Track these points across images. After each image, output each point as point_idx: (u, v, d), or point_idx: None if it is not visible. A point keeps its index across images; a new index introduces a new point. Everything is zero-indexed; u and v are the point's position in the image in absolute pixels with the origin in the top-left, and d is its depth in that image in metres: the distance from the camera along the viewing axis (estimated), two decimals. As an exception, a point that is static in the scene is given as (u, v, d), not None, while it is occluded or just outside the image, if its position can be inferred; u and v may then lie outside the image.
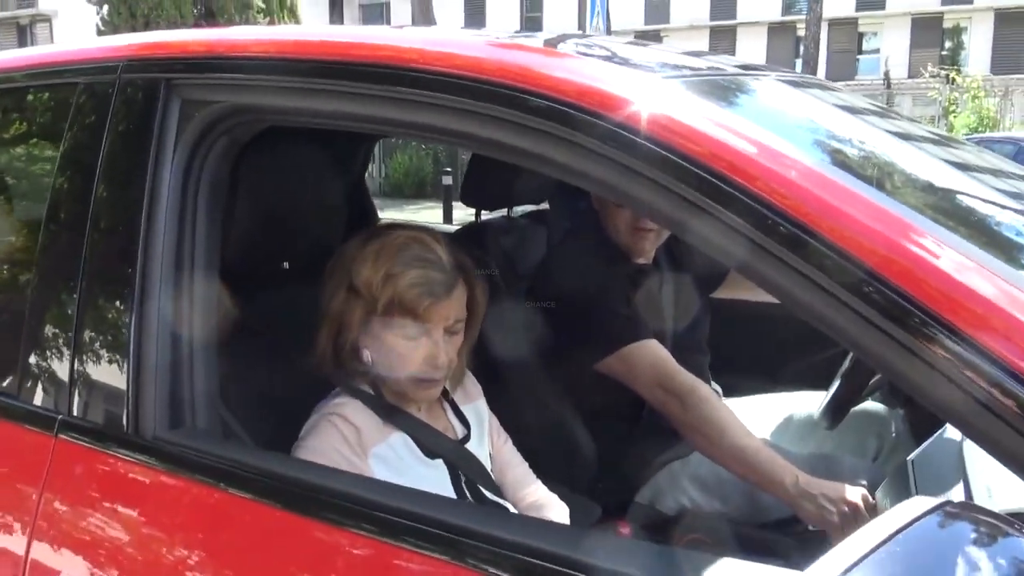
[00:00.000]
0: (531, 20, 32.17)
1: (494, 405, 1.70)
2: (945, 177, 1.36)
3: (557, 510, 1.61)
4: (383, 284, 1.38)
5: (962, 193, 1.27)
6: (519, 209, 2.68)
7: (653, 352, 1.87)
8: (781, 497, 1.64)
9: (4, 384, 1.38)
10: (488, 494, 1.51)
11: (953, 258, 0.86)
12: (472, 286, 1.48)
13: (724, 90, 1.27)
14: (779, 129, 1.08)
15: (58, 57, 1.46)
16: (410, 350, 1.41)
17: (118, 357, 1.21)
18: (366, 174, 2.72)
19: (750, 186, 0.91)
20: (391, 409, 1.47)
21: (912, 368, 0.84)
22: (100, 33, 15.46)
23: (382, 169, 17.16)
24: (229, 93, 1.25)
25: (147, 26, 15.04)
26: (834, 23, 28.78)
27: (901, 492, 1.31)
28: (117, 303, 1.25)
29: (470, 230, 2.49)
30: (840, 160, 1.18)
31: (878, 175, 1.16)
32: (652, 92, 1.04)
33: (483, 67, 1.08)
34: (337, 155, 3.18)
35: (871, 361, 0.90)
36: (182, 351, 1.22)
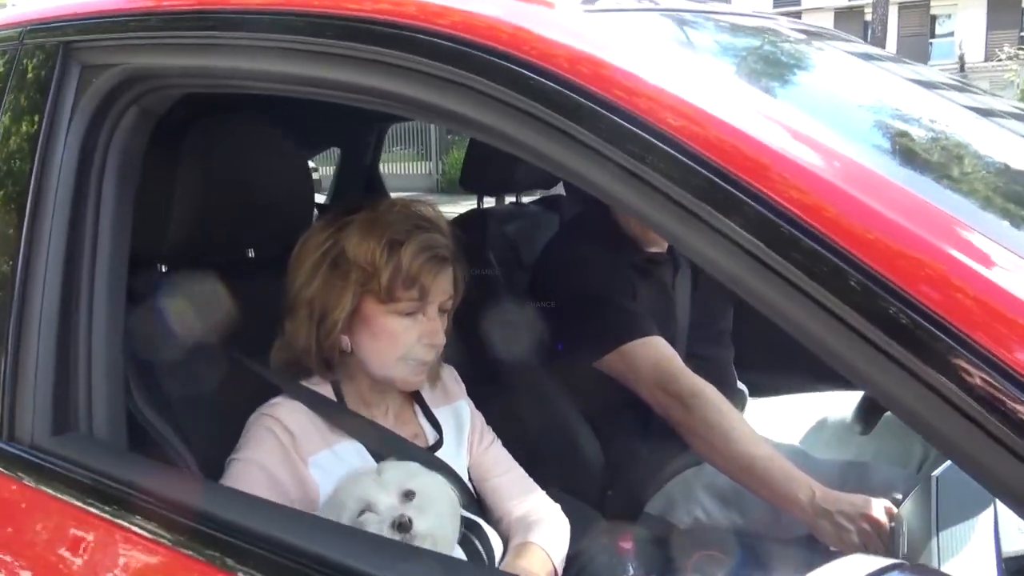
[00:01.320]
0: None
1: (493, 406, 1.55)
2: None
3: (551, 525, 1.43)
4: (387, 253, 1.25)
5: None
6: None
7: (656, 350, 1.69)
8: (795, 514, 1.47)
9: None
10: (465, 513, 1.33)
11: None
12: (456, 267, 1.36)
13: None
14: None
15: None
16: (405, 330, 1.29)
17: (-6, 354, 1.06)
18: (425, 172, 2.59)
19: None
20: (342, 413, 1.32)
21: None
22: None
23: (439, 166, 17.14)
24: (129, 54, 1.11)
25: None
26: (904, 6, 27.80)
27: (922, 512, 1.11)
28: (-2, 290, 1.11)
29: (468, 217, 2.32)
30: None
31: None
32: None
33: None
34: (330, 141, 3.10)
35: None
36: (74, 346, 1.07)
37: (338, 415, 1.32)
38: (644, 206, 0.79)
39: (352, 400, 1.35)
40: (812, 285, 0.70)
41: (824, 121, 0.85)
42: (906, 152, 0.98)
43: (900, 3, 25.66)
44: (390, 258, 1.25)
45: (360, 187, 3.23)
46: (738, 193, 0.73)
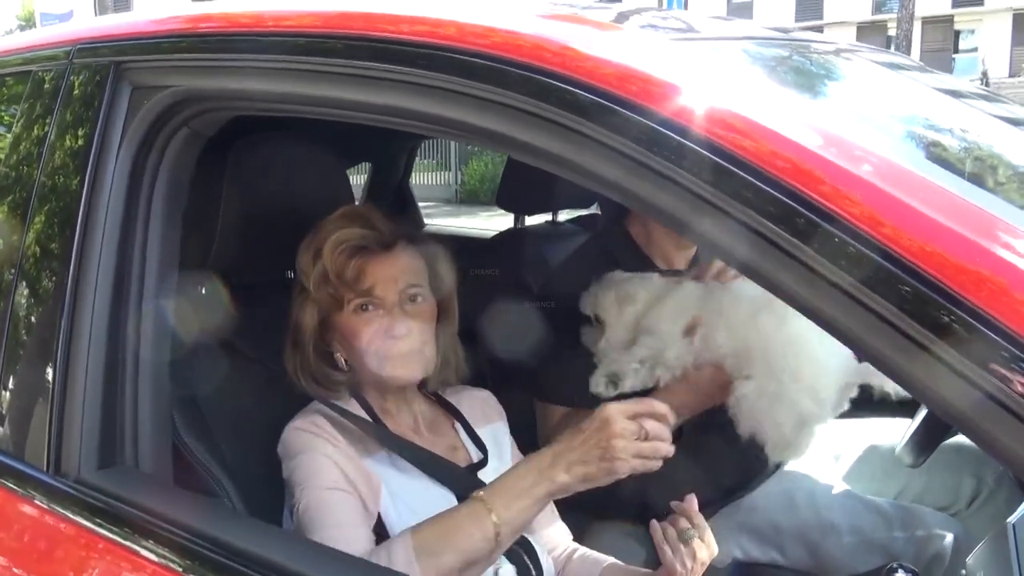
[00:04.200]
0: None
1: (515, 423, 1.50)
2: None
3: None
4: (312, 263, 1.29)
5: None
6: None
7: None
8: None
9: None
10: None
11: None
12: (430, 258, 1.37)
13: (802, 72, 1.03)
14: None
15: (21, 45, 1.31)
16: (365, 325, 1.28)
17: (42, 381, 1.03)
18: (443, 182, 2.57)
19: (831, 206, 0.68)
20: (375, 424, 1.29)
21: None
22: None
23: (457, 176, 17.11)
24: (181, 76, 1.07)
25: None
26: (928, 21, 27.62)
27: (1000, 564, 1.05)
28: (46, 315, 1.08)
29: (507, 236, 2.28)
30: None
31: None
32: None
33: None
34: (363, 156, 3.08)
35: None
36: (121, 375, 1.04)
37: (370, 425, 1.29)
38: (687, 219, 0.76)
39: (377, 410, 1.32)
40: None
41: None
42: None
43: (923, 18, 25.48)
44: (315, 262, 1.27)
45: (389, 201, 3.20)
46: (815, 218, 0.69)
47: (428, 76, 0.87)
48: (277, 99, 1.04)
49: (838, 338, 0.72)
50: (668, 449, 1.08)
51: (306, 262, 1.29)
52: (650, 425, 1.08)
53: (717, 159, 0.73)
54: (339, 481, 1.18)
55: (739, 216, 0.71)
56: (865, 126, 0.87)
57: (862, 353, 0.71)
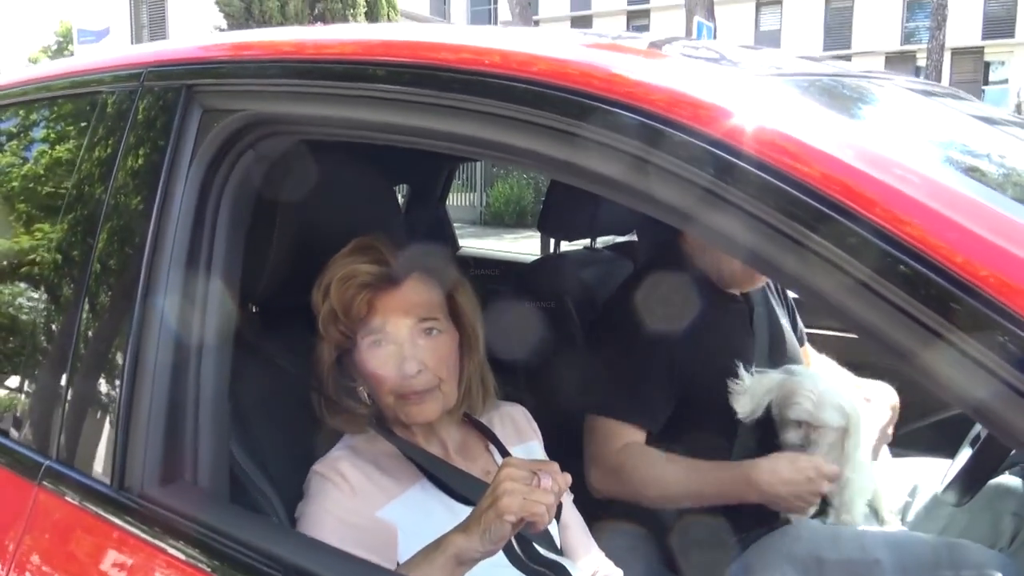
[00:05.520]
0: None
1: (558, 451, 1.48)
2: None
3: None
4: (322, 301, 1.28)
5: None
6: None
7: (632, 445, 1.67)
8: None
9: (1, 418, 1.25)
10: (545, 552, 1.29)
11: None
12: (450, 288, 1.33)
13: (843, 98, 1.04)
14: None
15: (89, 66, 1.35)
16: (381, 362, 1.26)
17: (109, 398, 1.05)
18: (468, 203, 2.59)
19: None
20: (405, 452, 1.29)
21: None
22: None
23: (483, 198, 17.18)
24: (251, 100, 1.10)
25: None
26: (958, 52, 27.49)
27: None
28: (114, 331, 1.10)
29: (546, 262, 2.29)
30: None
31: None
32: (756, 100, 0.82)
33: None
34: (403, 178, 3.11)
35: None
36: (185, 393, 1.05)
37: (399, 460, 1.29)
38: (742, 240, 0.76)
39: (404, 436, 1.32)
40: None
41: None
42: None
43: (953, 49, 25.38)
44: (325, 300, 1.27)
45: (425, 224, 3.22)
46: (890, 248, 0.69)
47: (496, 105, 0.89)
48: (338, 124, 1.07)
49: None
50: (550, 501, 1.04)
51: (317, 300, 1.28)
52: (545, 480, 1.05)
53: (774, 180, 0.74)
54: (335, 541, 1.15)
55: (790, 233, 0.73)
56: (912, 147, 0.87)
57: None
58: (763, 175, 0.74)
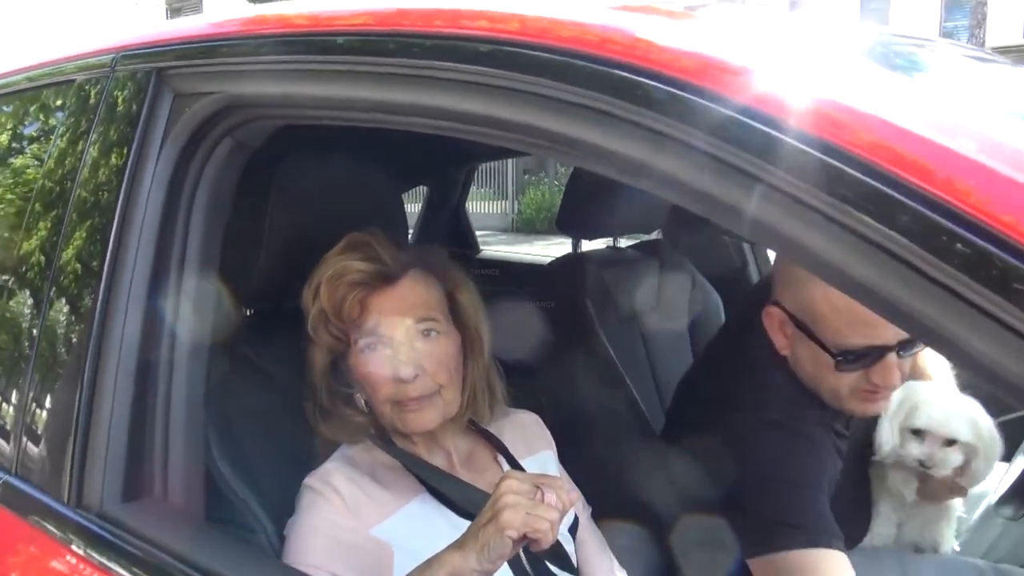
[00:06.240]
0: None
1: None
2: None
3: None
4: (312, 301, 1.18)
5: None
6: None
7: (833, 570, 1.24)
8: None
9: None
10: (557, 570, 1.19)
11: None
12: (451, 286, 1.24)
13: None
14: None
15: (65, 54, 1.27)
16: (376, 366, 1.16)
17: (68, 404, 0.96)
18: (500, 211, 2.51)
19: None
20: (405, 463, 1.19)
21: None
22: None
23: (514, 205, 17.14)
24: (226, 82, 1.01)
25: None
26: (999, 51, 26.94)
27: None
28: (75, 333, 1.01)
29: (565, 261, 2.18)
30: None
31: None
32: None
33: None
34: (419, 179, 3.03)
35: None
36: (154, 401, 0.96)
37: (398, 472, 1.19)
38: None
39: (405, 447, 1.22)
40: None
41: None
42: None
43: (994, 48, 24.87)
44: (315, 300, 1.17)
45: (445, 226, 3.14)
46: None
47: (487, 74, 0.78)
48: (322, 104, 0.96)
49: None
50: (554, 518, 0.95)
51: (307, 301, 1.18)
52: (549, 496, 0.96)
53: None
54: (327, 561, 1.08)
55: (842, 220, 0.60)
56: (976, 111, 0.74)
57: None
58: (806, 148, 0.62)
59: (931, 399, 1.43)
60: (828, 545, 1.23)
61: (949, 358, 0.63)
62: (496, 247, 5.26)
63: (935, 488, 1.48)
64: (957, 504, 1.55)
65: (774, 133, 0.62)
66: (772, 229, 0.63)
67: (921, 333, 0.59)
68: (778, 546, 1.24)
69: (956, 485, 1.46)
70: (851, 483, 1.48)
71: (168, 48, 1.07)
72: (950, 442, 1.41)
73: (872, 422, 1.47)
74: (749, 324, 1.42)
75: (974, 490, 1.56)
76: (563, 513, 0.97)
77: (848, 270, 0.60)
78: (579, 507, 1.34)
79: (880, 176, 0.58)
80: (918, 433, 1.42)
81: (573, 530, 1.29)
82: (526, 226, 16.64)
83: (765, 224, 0.63)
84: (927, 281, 0.57)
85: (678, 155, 0.67)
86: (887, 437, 1.44)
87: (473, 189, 3.27)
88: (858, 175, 0.59)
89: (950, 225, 0.55)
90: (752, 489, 1.28)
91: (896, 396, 1.42)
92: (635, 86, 0.69)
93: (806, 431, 1.33)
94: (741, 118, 0.64)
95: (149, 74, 1.05)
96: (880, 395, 1.31)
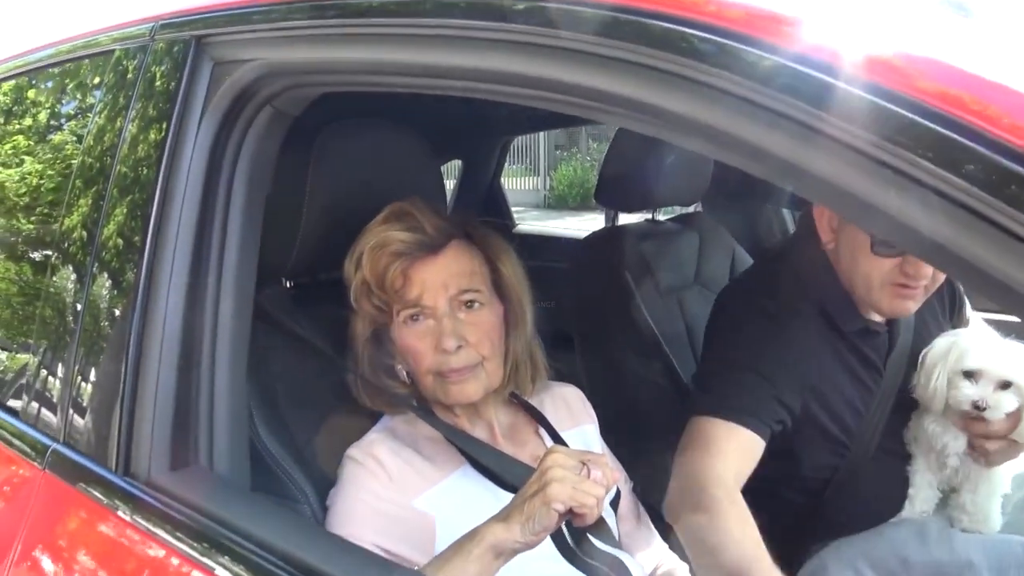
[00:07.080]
0: None
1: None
2: None
3: None
4: (354, 272, 1.17)
5: None
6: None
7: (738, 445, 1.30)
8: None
9: (9, 398, 1.18)
10: (601, 544, 1.17)
11: None
12: (493, 257, 1.22)
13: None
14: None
15: (104, 26, 1.26)
16: (418, 340, 1.16)
17: (115, 376, 0.96)
18: (532, 187, 2.48)
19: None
20: (447, 435, 1.18)
21: None
22: None
23: (546, 181, 17.06)
24: (265, 48, 0.99)
25: None
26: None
27: None
28: (118, 306, 1.01)
29: (603, 235, 2.16)
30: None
31: None
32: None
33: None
34: (455, 153, 3.00)
35: None
36: (196, 369, 0.96)
37: (441, 444, 1.19)
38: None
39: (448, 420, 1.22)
40: None
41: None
42: None
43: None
44: (358, 271, 1.17)
45: (480, 200, 3.12)
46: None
47: (527, 31, 0.75)
48: (371, 70, 0.94)
49: None
50: (600, 494, 0.94)
51: (349, 271, 1.18)
52: (595, 472, 0.96)
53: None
54: (369, 532, 1.08)
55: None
56: None
57: None
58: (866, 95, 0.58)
59: (982, 342, 1.39)
60: (733, 419, 1.30)
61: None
62: (529, 223, 5.22)
63: (986, 446, 1.43)
64: (1004, 479, 1.49)
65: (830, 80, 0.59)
66: (830, 183, 0.61)
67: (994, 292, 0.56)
68: (693, 411, 1.33)
69: (1009, 443, 1.41)
70: (885, 432, 1.49)
71: (207, 16, 1.05)
72: (1005, 385, 1.36)
73: (910, 365, 1.47)
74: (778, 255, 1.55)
75: (1019, 469, 1.53)
76: (608, 490, 0.97)
77: (915, 225, 0.57)
78: (621, 481, 1.33)
79: (945, 121, 0.55)
80: (970, 376, 1.37)
81: (615, 504, 1.28)
82: (558, 202, 16.56)
83: (822, 178, 0.61)
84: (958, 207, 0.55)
85: (732, 109, 0.64)
86: (936, 384, 1.39)
87: (505, 166, 3.25)
88: (921, 120, 0.56)
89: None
90: (707, 362, 1.46)
91: (943, 342, 1.41)
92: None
93: (795, 331, 1.40)
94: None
95: (188, 43, 1.04)
96: (910, 291, 1.36)
